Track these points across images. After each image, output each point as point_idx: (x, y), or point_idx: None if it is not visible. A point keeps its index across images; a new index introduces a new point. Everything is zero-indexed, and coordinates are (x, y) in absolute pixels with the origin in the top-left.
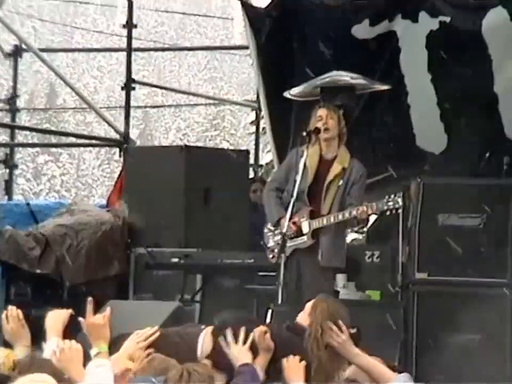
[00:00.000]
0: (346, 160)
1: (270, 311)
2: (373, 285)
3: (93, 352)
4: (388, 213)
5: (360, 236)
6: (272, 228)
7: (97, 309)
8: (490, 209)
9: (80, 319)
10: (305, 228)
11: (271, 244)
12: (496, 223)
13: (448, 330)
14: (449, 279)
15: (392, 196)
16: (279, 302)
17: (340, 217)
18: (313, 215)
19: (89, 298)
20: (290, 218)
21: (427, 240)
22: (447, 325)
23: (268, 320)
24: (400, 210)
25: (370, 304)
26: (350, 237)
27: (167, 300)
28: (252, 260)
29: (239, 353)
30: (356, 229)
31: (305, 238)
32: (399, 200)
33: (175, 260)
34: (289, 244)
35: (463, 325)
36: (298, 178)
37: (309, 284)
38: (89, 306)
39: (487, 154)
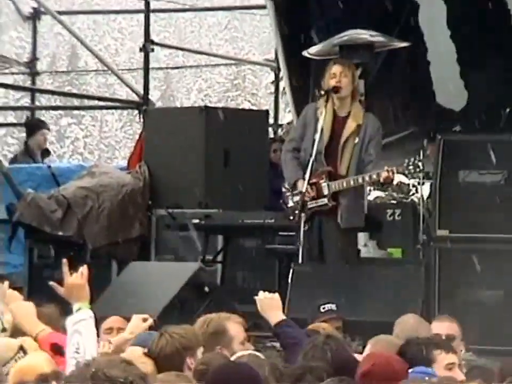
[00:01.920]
0: (360, 116)
1: (291, 271)
2: (394, 243)
3: (75, 308)
4: (409, 177)
5: (382, 194)
6: (290, 189)
7: (120, 270)
8: (511, 165)
9: (52, 283)
10: (325, 190)
11: (290, 204)
12: None
13: (470, 286)
14: (470, 235)
15: (413, 160)
16: (300, 261)
17: (360, 180)
18: (332, 176)
19: (64, 260)
20: (309, 179)
21: (448, 197)
22: (469, 282)
23: (290, 279)
24: (421, 174)
25: (392, 262)
26: (373, 195)
27: (188, 260)
28: (273, 220)
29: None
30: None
31: (325, 200)
32: (420, 164)
33: (196, 220)
34: (309, 205)
35: (485, 281)
36: (317, 137)
37: (330, 246)
38: (65, 268)
39: (507, 110)
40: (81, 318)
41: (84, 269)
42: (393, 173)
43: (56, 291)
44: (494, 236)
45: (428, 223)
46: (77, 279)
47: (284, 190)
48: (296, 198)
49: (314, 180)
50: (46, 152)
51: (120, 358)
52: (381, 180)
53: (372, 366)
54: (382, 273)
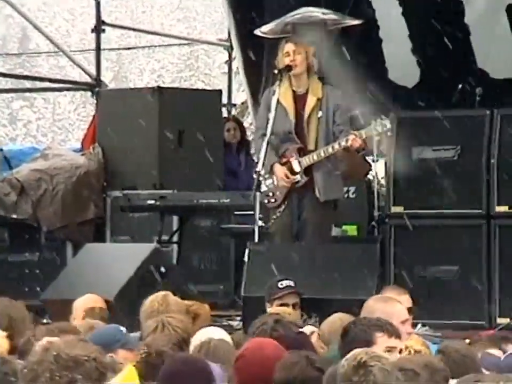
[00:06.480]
0: (319, 90)
1: (247, 250)
2: (349, 220)
3: None
4: (378, 137)
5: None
6: (263, 173)
7: (75, 252)
8: (464, 140)
9: None
10: (296, 167)
11: (263, 188)
12: (470, 154)
13: (425, 262)
14: (425, 212)
15: (379, 120)
16: (256, 240)
17: (330, 150)
18: (301, 152)
19: None
20: (265, 156)
21: (402, 174)
22: (424, 258)
23: (246, 258)
24: (389, 133)
25: (347, 239)
26: None
27: (144, 242)
28: (228, 200)
29: None
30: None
31: (298, 176)
32: (387, 122)
33: (151, 201)
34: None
35: (440, 257)
36: (272, 116)
37: (310, 220)
38: None
39: (460, 86)
40: None
41: None
42: (360, 137)
43: None
44: (448, 212)
45: (382, 200)
46: None
47: (254, 175)
48: (269, 182)
49: (284, 160)
50: None
51: (77, 338)
52: (350, 144)
53: (244, 351)
54: (338, 251)
